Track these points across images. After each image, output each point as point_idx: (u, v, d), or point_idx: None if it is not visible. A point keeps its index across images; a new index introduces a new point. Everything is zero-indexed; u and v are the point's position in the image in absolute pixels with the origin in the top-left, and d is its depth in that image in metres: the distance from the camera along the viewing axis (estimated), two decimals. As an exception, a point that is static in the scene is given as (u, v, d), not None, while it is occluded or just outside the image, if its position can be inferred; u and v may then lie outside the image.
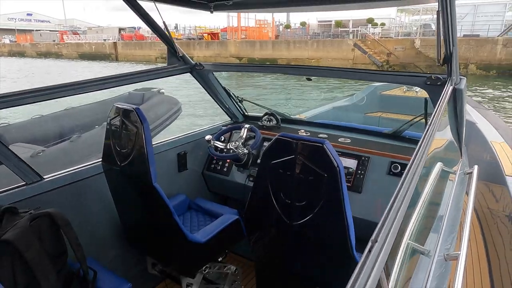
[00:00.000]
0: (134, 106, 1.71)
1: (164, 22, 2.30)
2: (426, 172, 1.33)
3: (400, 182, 0.79)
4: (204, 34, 41.06)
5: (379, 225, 0.65)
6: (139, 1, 2.09)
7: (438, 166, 1.63)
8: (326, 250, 1.51)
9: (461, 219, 1.81)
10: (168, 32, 2.39)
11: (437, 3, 1.54)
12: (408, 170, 0.84)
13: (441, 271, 1.34)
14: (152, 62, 36.06)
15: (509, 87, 17.35)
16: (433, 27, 27.66)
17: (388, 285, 0.66)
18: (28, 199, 1.71)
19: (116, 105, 1.81)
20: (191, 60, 2.67)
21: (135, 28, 52.72)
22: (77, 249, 1.44)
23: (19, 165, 1.68)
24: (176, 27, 50.98)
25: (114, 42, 42.09)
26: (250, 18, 33.41)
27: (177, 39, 41.73)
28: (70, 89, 1.86)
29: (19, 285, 1.28)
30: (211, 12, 2.44)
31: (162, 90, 7.15)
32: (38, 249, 1.30)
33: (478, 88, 17.03)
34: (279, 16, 45.14)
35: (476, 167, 2.15)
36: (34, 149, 4.41)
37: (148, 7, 2.24)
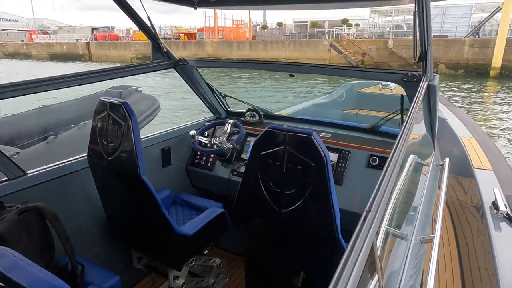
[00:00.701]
0: (122, 100, 1.71)
1: (148, 17, 2.31)
2: (404, 163, 1.41)
3: (386, 165, 0.88)
4: (180, 34, 40.66)
5: (371, 198, 0.74)
6: None
7: (414, 158, 1.72)
8: (314, 235, 1.57)
9: (434, 207, 1.92)
10: (153, 27, 2.39)
11: (413, 4, 1.63)
12: (391, 159, 0.91)
13: (418, 253, 1.42)
14: (127, 62, 35.36)
15: (477, 85, 18.19)
16: (405, 28, 28.62)
17: (378, 251, 0.73)
18: (12, 194, 1.68)
19: (103, 99, 1.80)
20: (175, 56, 2.68)
21: (108, 27, 51.48)
22: (66, 243, 1.43)
23: (1, 159, 1.64)
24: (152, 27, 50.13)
25: (87, 42, 40.95)
26: (227, 19, 33.43)
27: (153, 39, 41.14)
28: (53, 83, 1.83)
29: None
30: (195, 8, 2.46)
31: (140, 88, 7.03)
32: (26, 243, 1.28)
33: (448, 86, 17.74)
34: (256, 17, 45.33)
35: (447, 159, 2.28)
36: (8, 151, 4.25)
37: (133, 4, 2.25)
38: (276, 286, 1.85)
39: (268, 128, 1.51)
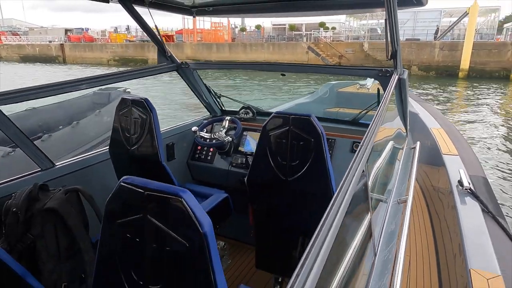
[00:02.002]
0: (143, 97, 1.92)
1: (156, 26, 2.51)
2: (382, 146, 1.72)
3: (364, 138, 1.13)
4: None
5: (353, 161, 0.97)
6: (134, 6, 2.29)
7: (390, 140, 2.06)
8: (316, 198, 1.87)
9: (409, 179, 2.25)
10: (159, 34, 2.60)
11: (384, 12, 1.94)
12: (367, 135, 1.15)
13: (396, 213, 1.75)
14: (104, 65, 34.70)
15: (447, 85, 19.15)
16: (379, 31, 29.61)
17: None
18: (44, 183, 1.83)
19: (125, 97, 2.00)
20: (177, 60, 2.89)
21: (82, 29, 50.24)
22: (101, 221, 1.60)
23: (35, 152, 1.80)
24: (127, 29, 49.38)
25: (61, 44, 39.83)
26: (205, 21, 33.44)
27: (130, 41, 40.58)
28: (59, 88, 1.90)
29: (61, 247, 1.43)
30: (194, 17, 2.73)
31: (128, 90, 7.07)
32: (74, 217, 1.46)
33: (421, 86, 18.60)
34: (235, 19, 45.51)
35: (418, 143, 2.68)
36: (3, 150, 4.28)
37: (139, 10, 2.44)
38: (284, 250, 2.08)
39: (275, 113, 1.86)
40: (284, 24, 36.57)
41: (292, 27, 35.41)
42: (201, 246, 0.98)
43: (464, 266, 1.63)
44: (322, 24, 32.44)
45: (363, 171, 1.03)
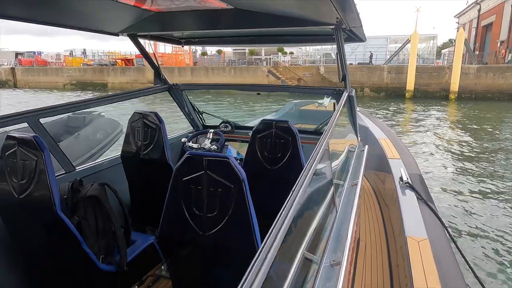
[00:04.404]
0: (154, 111, 2.33)
1: (154, 54, 3.00)
2: (339, 147, 2.23)
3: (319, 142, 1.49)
4: (117, 60, 39.89)
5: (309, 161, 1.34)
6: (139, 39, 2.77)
7: (345, 144, 2.62)
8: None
9: (359, 170, 2.81)
10: (156, 60, 3.05)
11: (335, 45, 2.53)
12: (321, 140, 1.52)
13: (349, 195, 2.17)
14: (60, 89, 33.61)
15: (394, 104, 20.92)
16: (333, 56, 31.72)
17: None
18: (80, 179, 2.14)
19: (136, 111, 2.40)
20: (169, 82, 3.36)
21: (34, 52, 48.49)
22: (124, 211, 1.94)
23: (62, 157, 2.12)
24: (83, 53, 48.38)
25: (12, 68, 38.11)
26: (167, 45, 33.79)
27: (87, 65, 39.79)
28: (59, 110, 2.27)
29: (100, 228, 1.76)
30: (182, 46, 3.24)
31: (103, 113, 7.26)
32: (109, 204, 1.79)
33: (373, 106, 20.20)
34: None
35: (366, 146, 3.31)
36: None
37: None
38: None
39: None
40: (244, 49, 37.92)
41: (252, 52, 36.81)
42: (240, 186, 1.49)
43: (403, 235, 2.17)
44: (280, 49, 34.08)
45: (326, 149, 1.47)
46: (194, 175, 1.53)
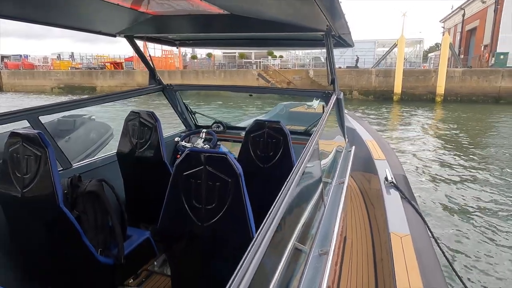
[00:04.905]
0: (150, 110, 2.40)
1: (150, 55, 3.07)
2: (328, 147, 2.34)
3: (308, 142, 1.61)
4: (106, 64, 39.58)
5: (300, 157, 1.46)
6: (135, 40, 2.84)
7: (333, 145, 2.73)
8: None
9: (346, 168, 2.94)
10: (151, 61, 3.14)
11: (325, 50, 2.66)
12: (310, 141, 1.62)
13: (337, 192, 2.30)
14: (48, 92, 33.18)
15: (382, 107, 21.30)
16: (322, 59, 32.11)
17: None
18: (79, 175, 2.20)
19: (133, 110, 2.47)
20: (163, 82, 3.44)
21: (21, 55, 47.76)
22: (121, 207, 2.01)
23: (60, 154, 2.18)
24: (71, 56, 47.89)
25: (-2, 71, 37.52)
26: (156, 49, 33.72)
27: (76, 68, 39.36)
28: (56, 108, 2.35)
29: (98, 222, 1.83)
30: (177, 47, 3.32)
31: (93, 117, 7.25)
32: (108, 199, 1.86)
33: (361, 108, 20.52)
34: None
35: (353, 147, 3.45)
36: None
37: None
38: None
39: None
40: (234, 52, 38.05)
41: (242, 56, 36.96)
42: (237, 180, 1.58)
43: (387, 231, 2.29)
44: (270, 53, 34.30)
45: (316, 148, 1.58)
46: (193, 170, 1.62)
